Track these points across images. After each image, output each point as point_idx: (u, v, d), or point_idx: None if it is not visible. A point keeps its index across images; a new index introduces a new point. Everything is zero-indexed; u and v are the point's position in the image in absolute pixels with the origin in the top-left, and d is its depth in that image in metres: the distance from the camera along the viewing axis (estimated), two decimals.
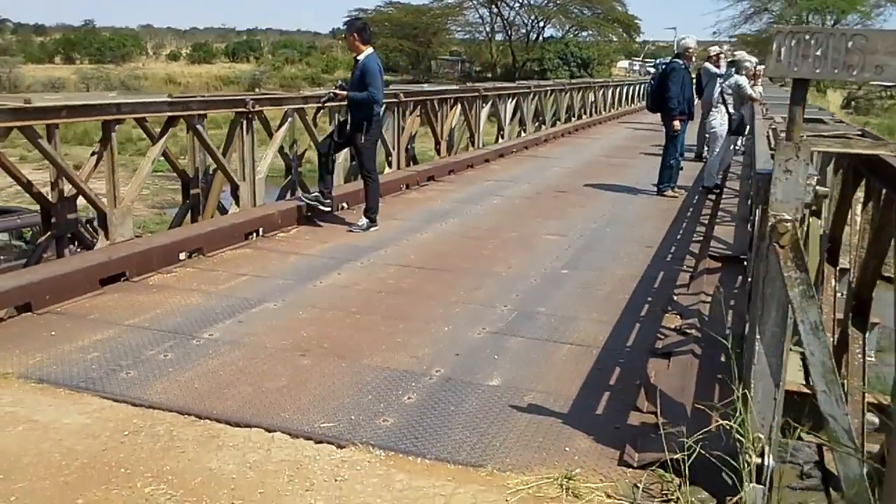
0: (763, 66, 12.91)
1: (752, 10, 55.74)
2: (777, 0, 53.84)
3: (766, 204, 2.70)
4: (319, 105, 7.71)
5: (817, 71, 2.49)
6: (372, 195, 7.29)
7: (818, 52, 2.48)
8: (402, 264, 6.19)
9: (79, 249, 6.57)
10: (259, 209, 7.18)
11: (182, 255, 5.91)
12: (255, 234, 6.74)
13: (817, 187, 2.66)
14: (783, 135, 4.17)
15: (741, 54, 11.38)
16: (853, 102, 50.80)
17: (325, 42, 71.86)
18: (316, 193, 7.36)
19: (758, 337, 2.80)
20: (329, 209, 7.33)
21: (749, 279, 4.67)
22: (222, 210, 7.23)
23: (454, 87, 13.28)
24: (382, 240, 6.95)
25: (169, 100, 6.33)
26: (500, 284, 5.74)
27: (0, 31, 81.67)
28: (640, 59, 70.19)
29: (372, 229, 7.23)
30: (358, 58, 6.89)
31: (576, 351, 4.45)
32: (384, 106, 9.01)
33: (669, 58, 10.39)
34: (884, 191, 3.38)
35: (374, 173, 7.36)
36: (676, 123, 9.52)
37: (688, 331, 4.72)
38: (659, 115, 9.96)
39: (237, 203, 7.14)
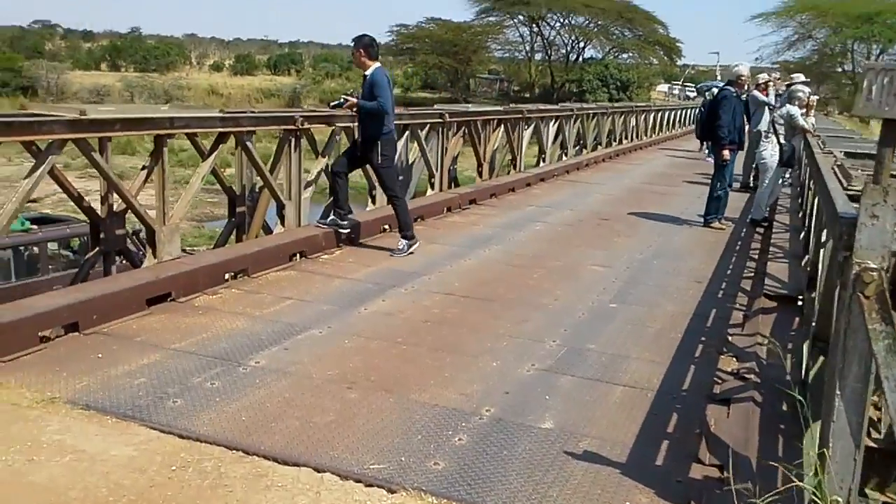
0: (816, 97, 12.66)
1: (795, 36, 55.21)
2: (822, 27, 53.08)
3: (850, 250, 2.55)
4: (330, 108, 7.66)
5: None
6: (402, 215, 7.17)
7: None
8: (447, 292, 6.09)
9: (125, 264, 6.59)
10: (303, 230, 7.13)
11: (227, 276, 5.87)
12: (298, 256, 6.69)
13: None
14: (860, 174, 4.01)
15: (798, 80, 11.17)
16: None
17: None
18: (332, 217, 7.22)
19: (837, 392, 2.65)
20: (348, 230, 7.24)
21: (813, 322, 4.48)
22: (267, 230, 7.20)
23: (498, 108, 13.21)
24: (426, 265, 6.86)
25: (220, 115, 6.31)
26: (548, 317, 5.61)
27: (50, 36, 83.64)
28: (681, 83, 69.76)
29: (413, 248, 7.15)
30: (365, 73, 6.81)
31: (629, 393, 4.30)
32: (408, 129, 8.98)
33: (717, 82, 10.22)
34: None
35: (399, 192, 7.23)
36: (726, 153, 9.33)
37: (746, 375, 4.54)
38: (704, 142, 9.80)
39: (282, 223, 7.11)
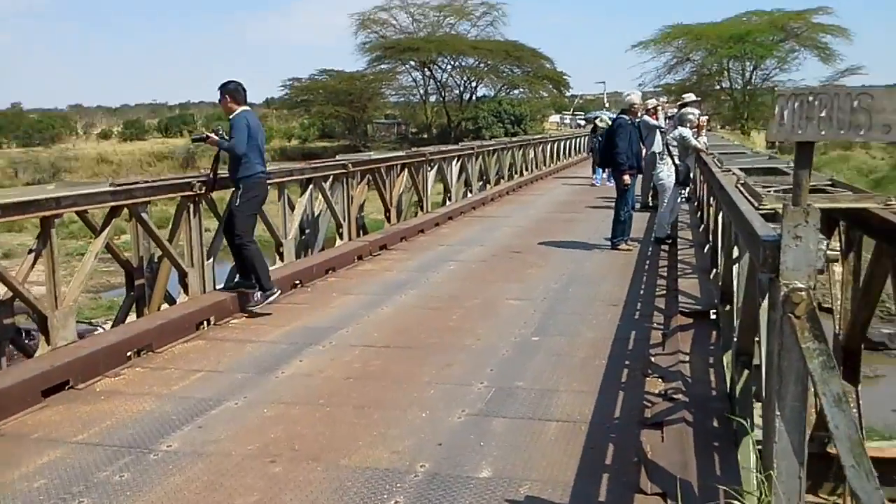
0: (706, 117, 13.26)
1: (674, 60, 58.11)
2: (699, 50, 56.12)
3: (776, 272, 2.55)
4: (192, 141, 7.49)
5: (822, 133, 2.38)
6: (249, 261, 6.68)
7: (822, 114, 2.37)
8: (367, 344, 5.91)
9: (17, 356, 6.08)
10: (209, 296, 6.80)
11: (129, 354, 5.49)
12: (206, 324, 6.36)
13: (828, 251, 2.52)
14: (764, 191, 4.11)
15: (689, 100, 11.68)
16: (777, 143, 52.97)
17: (259, 112, 71.45)
18: (239, 279, 6.90)
19: (777, 413, 2.62)
20: (278, 292, 6.88)
21: (734, 337, 4.54)
22: (170, 300, 6.83)
23: (401, 153, 13.19)
24: (342, 318, 6.66)
25: (111, 189, 5.95)
26: (472, 358, 5.50)
27: None
28: (571, 112, 72.27)
29: (272, 299, 6.72)
30: (230, 117, 6.61)
31: (564, 429, 4.21)
32: (312, 182, 8.82)
33: (605, 112, 10.57)
34: (876, 243, 3.30)
35: (247, 238, 6.64)
36: (626, 178, 9.57)
37: (674, 396, 4.53)
38: (605, 169, 10.04)
39: (186, 291, 6.76)
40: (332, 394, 4.84)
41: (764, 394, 2.91)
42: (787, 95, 2.46)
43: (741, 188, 4.45)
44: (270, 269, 8.39)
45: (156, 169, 48.86)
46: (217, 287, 7.09)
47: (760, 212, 3.52)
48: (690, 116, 10.25)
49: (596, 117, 23.95)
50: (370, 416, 4.44)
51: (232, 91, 6.62)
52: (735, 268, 4.71)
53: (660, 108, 13.30)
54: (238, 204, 6.62)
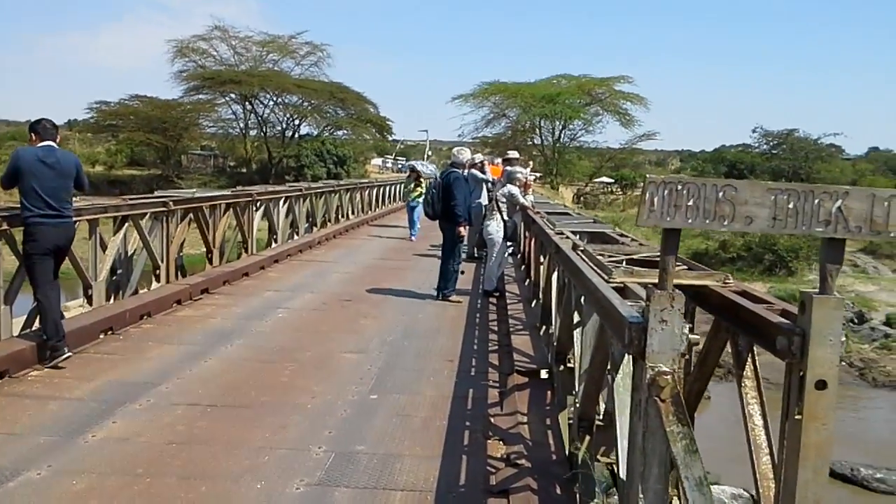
0: (534, 176, 13.89)
1: (492, 115, 60.97)
2: (514, 107, 59.30)
3: (642, 355, 2.58)
4: None
5: (689, 221, 2.46)
6: (43, 315, 6.08)
7: (690, 203, 2.45)
8: (191, 402, 5.43)
9: None
10: (5, 344, 5.98)
11: None
12: (1, 377, 5.57)
13: (690, 336, 2.59)
14: (608, 261, 4.24)
15: (512, 156, 12.19)
16: (582, 198, 56.89)
17: (60, 134, 65.99)
18: (52, 342, 6.04)
19: (640, 496, 2.64)
20: (69, 354, 6.09)
21: (576, 403, 4.63)
22: None
23: (226, 192, 12.56)
24: (161, 372, 6.10)
25: None
26: (309, 419, 5.21)
27: None
28: (393, 156, 73.46)
29: (62, 359, 6.01)
30: None
31: (409, 499, 4.06)
32: (127, 220, 8.20)
33: (422, 163, 10.82)
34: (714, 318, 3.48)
35: (42, 289, 6.03)
36: (463, 230, 9.69)
37: (517, 461, 4.53)
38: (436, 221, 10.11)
39: None
40: (153, 462, 4.36)
41: (625, 474, 2.93)
42: (658, 183, 2.53)
43: (583, 256, 4.58)
44: (76, 312, 7.64)
45: None
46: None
47: (611, 285, 3.61)
48: (518, 175, 10.66)
49: (411, 167, 23.87)
50: (197, 488, 4.04)
51: (38, 128, 6.16)
52: (576, 333, 4.83)
53: (485, 162, 13.79)
54: (22, 250, 6.10)
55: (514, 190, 10.27)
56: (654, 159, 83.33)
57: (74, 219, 6.61)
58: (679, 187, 2.44)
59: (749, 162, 54.23)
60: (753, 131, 57.05)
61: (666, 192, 2.44)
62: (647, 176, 2.45)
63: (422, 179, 18.35)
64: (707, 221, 2.45)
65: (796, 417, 2.60)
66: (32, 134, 6.18)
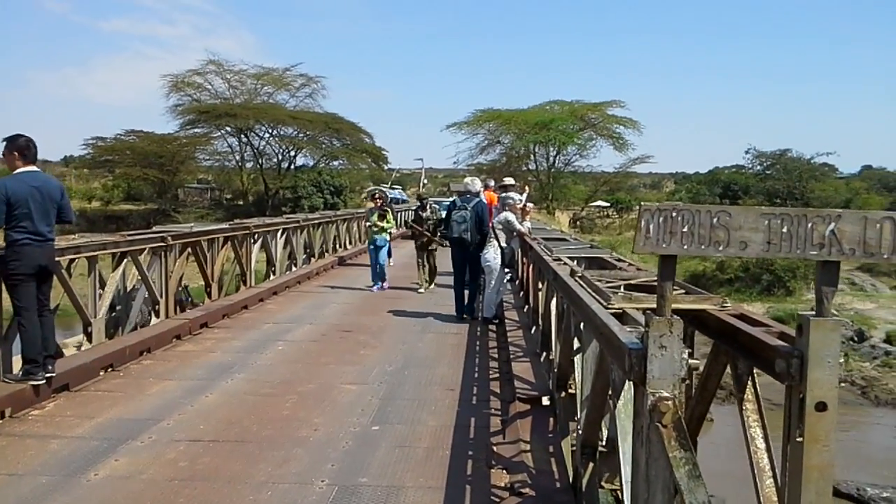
0: (532, 205, 13.94)
1: (486, 142, 61.36)
2: (508, 134, 59.70)
3: (643, 381, 2.60)
4: None
5: (685, 247, 2.49)
6: (23, 338, 5.97)
7: (685, 229, 2.49)
8: (193, 438, 5.41)
9: None
10: (4, 384, 5.96)
11: None
12: (1, 417, 5.56)
13: (690, 360, 2.62)
14: (606, 287, 4.27)
15: (509, 183, 12.30)
16: (578, 222, 57.06)
17: (56, 170, 66.07)
18: (26, 366, 5.99)
19: None
20: (42, 381, 6.00)
21: (579, 430, 4.63)
22: None
23: (224, 225, 12.63)
24: (162, 408, 6.09)
25: None
26: (310, 453, 5.19)
27: None
28: (389, 185, 73.83)
29: (33, 378, 5.93)
30: None
31: None
32: (127, 256, 8.20)
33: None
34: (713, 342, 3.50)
35: (27, 312, 5.89)
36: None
37: (521, 490, 4.52)
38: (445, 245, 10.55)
39: None
40: (156, 500, 4.35)
41: (628, 501, 2.94)
42: (653, 210, 2.57)
43: (581, 282, 4.61)
44: (76, 350, 7.64)
45: None
46: (5, 376, 6.09)
47: (610, 311, 3.63)
48: (510, 201, 10.73)
49: (375, 192, 19.29)
50: None
51: (21, 147, 5.87)
52: (577, 359, 4.84)
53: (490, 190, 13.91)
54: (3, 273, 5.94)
55: (511, 216, 10.34)
56: (648, 182, 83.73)
57: (73, 256, 6.64)
58: (674, 214, 2.48)
59: (743, 183, 54.50)
60: (746, 152, 57.59)
61: (661, 218, 2.48)
62: (642, 203, 2.49)
63: (388, 209, 14.32)
64: (702, 247, 2.49)
65: (797, 440, 2.62)
66: (16, 153, 5.86)
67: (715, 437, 13.80)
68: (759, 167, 56.70)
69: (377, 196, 14.64)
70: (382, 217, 13.65)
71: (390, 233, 14.21)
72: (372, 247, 13.67)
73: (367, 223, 14.58)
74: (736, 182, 55.16)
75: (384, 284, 13.66)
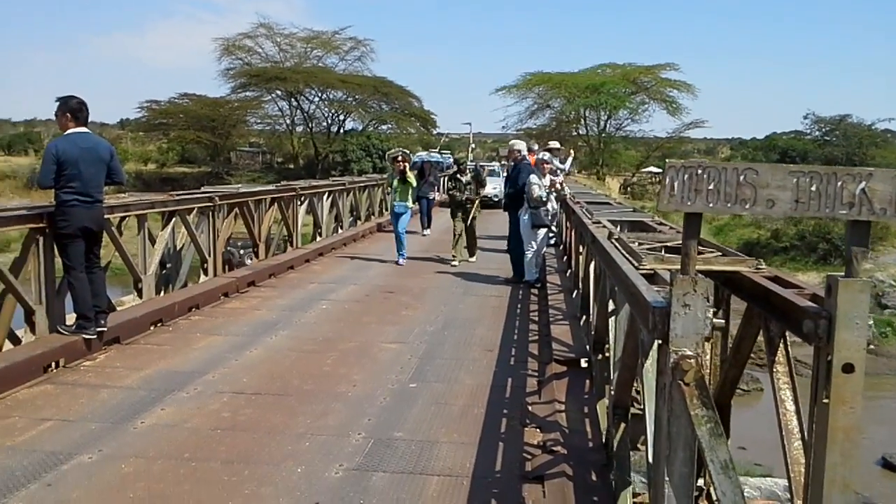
0: (562, 170, 13.71)
1: (535, 106, 60.57)
2: (557, 97, 58.83)
3: (665, 339, 2.60)
4: None
5: (710, 205, 2.46)
6: (73, 295, 6.16)
7: (710, 187, 2.45)
8: (236, 391, 5.59)
9: None
10: (59, 336, 6.23)
11: None
12: (55, 366, 5.82)
13: (714, 320, 2.60)
14: (639, 248, 4.25)
15: (553, 146, 12.14)
16: (629, 188, 56.21)
17: (113, 133, 67.59)
18: (79, 321, 6.20)
19: (666, 479, 2.66)
20: (94, 335, 6.21)
21: (611, 391, 4.64)
22: (14, 339, 6.19)
23: (270, 186, 12.82)
24: (208, 362, 6.29)
25: None
26: (349, 407, 5.32)
27: None
28: (438, 150, 73.61)
29: (85, 332, 6.13)
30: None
31: (445, 483, 4.13)
32: (175, 215, 8.42)
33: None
34: (747, 305, 3.46)
35: (74, 270, 6.05)
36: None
37: (554, 448, 4.57)
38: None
39: (32, 330, 6.15)
40: (199, 447, 4.52)
41: (651, 458, 2.95)
42: (678, 167, 2.54)
43: (616, 244, 4.58)
44: (128, 305, 7.91)
45: None
46: (60, 327, 6.35)
47: (641, 271, 3.61)
48: (546, 163, 10.57)
49: (398, 153, 15.17)
50: (240, 472, 4.17)
51: (73, 109, 5.98)
52: (611, 321, 4.84)
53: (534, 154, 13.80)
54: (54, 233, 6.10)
55: (534, 178, 10.05)
56: (702, 148, 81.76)
57: (123, 214, 6.83)
58: (699, 171, 2.45)
59: (801, 149, 52.84)
60: (805, 118, 55.67)
61: (686, 176, 2.45)
62: (668, 161, 2.47)
63: (409, 173, 12.46)
64: (728, 205, 2.46)
65: (824, 401, 2.59)
66: (69, 114, 5.97)
67: (764, 406, 13.64)
68: (817, 133, 54.85)
69: (399, 158, 12.50)
70: (402, 181, 12.17)
71: (428, 198, 14.16)
72: (393, 214, 12.51)
73: (388, 185, 13.36)
74: (794, 148, 53.51)
75: (400, 260, 12.19)
